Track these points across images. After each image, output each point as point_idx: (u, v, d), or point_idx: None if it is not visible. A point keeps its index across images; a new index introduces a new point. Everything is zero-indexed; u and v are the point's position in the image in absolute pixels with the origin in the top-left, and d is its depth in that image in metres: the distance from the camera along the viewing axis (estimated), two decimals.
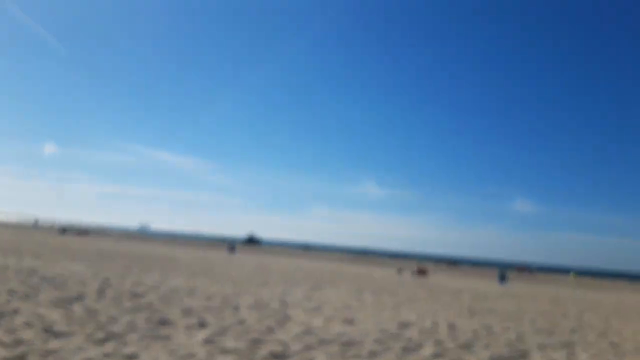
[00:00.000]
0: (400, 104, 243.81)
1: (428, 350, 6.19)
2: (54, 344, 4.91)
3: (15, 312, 6.26)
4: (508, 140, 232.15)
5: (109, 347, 4.98)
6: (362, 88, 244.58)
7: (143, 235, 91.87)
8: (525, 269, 73.69)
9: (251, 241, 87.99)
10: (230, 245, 43.86)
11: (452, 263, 75.29)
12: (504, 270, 36.72)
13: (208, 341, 5.62)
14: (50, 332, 5.37)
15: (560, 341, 8.11)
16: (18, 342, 4.84)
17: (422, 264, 40.36)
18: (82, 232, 62.96)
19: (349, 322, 7.96)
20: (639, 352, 7.64)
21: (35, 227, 72.15)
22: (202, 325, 6.55)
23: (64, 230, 58.63)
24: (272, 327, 6.80)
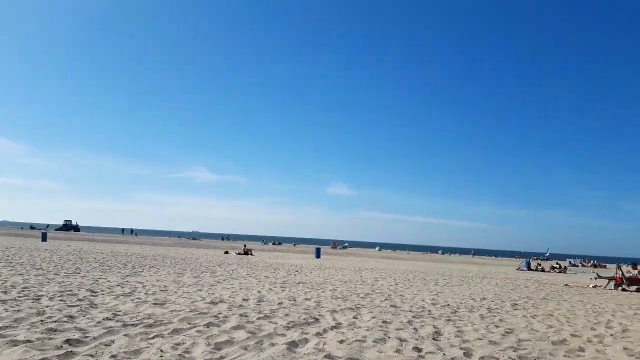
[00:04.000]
0: (229, 90, 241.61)
1: (231, 323, 6.34)
2: None
3: None
4: (322, 134, 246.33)
5: None
6: (185, 71, 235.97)
7: None
8: (338, 245, 79.44)
9: (68, 228, 79.69)
10: (43, 232, 39.23)
11: (278, 243, 77.74)
12: (319, 247, 39.14)
13: None
14: None
15: (352, 305, 8.98)
16: None
17: (249, 245, 40.93)
18: None
19: (161, 304, 7.76)
20: (412, 311, 8.80)
21: None
22: None
23: None
24: (74, 316, 6.30)
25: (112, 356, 4.49)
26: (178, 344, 5.05)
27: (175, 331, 5.68)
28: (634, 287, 17.33)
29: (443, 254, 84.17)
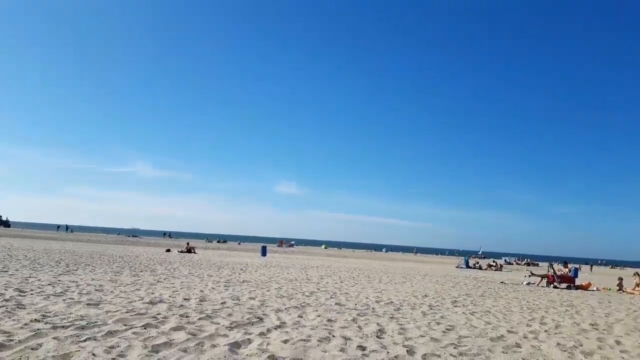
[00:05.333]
0: (174, 83, 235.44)
1: (171, 324, 6.08)
2: None
3: None
4: (271, 132, 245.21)
5: None
6: (128, 62, 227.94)
7: None
8: (284, 243, 79.24)
9: None
10: None
11: (223, 241, 76.49)
12: (265, 245, 38.82)
13: None
14: None
15: (297, 304, 8.89)
16: None
17: (192, 243, 39.93)
18: None
19: (95, 304, 7.35)
20: (357, 309, 8.83)
21: None
22: None
23: None
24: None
25: None
26: (112, 347, 4.77)
27: (110, 333, 5.37)
28: (564, 285, 18.29)
29: (387, 252, 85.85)
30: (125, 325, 5.88)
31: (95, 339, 5.06)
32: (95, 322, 5.94)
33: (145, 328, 5.77)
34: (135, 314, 6.67)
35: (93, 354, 4.47)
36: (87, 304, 7.28)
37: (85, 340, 4.97)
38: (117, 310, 6.87)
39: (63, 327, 5.53)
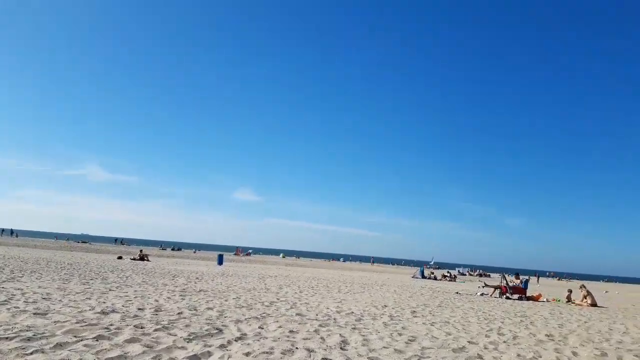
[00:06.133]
0: (126, 84, 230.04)
1: (124, 336, 5.77)
2: None
3: None
4: (233, 138, 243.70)
5: None
6: (79, 61, 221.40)
7: None
8: (241, 251, 78.16)
9: None
10: None
11: (177, 249, 74.64)
12: (222, 253, 38.14)
13: None
14: None
15: (257, 315, 8.68)
16: None
17: (145, 250, 38.74)
18: None
19: (43, 314, 6.91)
20: (318, 319, 8.70)
21: None
22: None
23: None
24: None
25: None
26: None
27: (59, 345, 5.03)
28: (516, 296, 18.79)
29: (344, 261, 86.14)
30: (75, 336, 5.53)
31: (43, 352, 4.72)
32: (43, 333, 5.56)
33: (97, 340, 5.44)
34: (86, 325, 6.30)
35: None
36: (34, 314, 6.83)
37: (32, 353, 4.63)
38: (67, 321, 6.47)
39: (7, 338, 5.14)
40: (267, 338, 6.38)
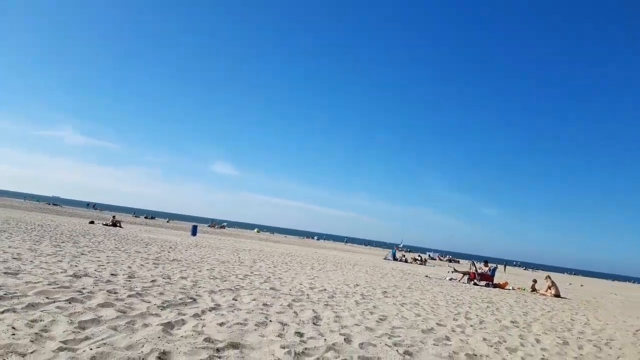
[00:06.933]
0: (111, 45, 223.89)
1: (98, 300, 5.74)
2: None
3: None
4: (210, 108, 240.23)
5: None
6: (68, 23, 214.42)
7: None
8: (216, 224, 77.93)
9: None
10: None
11: (151, 217, 73.95)
12: (196, 225, 37.99)
13: None
14: None
15: (231, 287, 8.73)
16: None
17: (118, 217, 38.28)
18: None
19: (14, 274, 6.82)
20: (292, 294, 8.79)
21: None
22: None
23: None
24: None
25: None
26: (34, 321, 4.43)
27: (31, 306, 4.99)
28: (484, 283, 19.30)
29: (318, 240, 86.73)
30: (47, 298, 5.49)
31: (14, 311, 4.68)
32: (14, 293, 5.50)
33: (70, 302, 5.41)
34: (59, 287, 6.24)
35: (13, 328, 4.12)
36: (5, 273, 6.74)
37: (3, 312, 4.58)
38: (38, 282, 6.40)
39: None
40: (240, 310, 6.44)
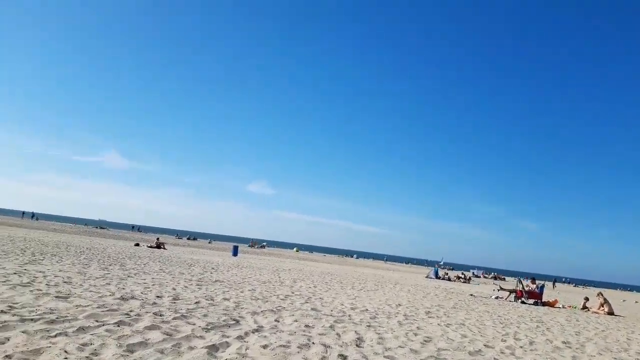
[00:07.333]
0: (148, 74, 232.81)
1: (144, 322, 5.87)
2: None
3: None
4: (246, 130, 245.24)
5: None
6: (107, 52, 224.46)
7: None
8: (255, 243, 78.58)
9: None
10: None
11: (193, 238, 75.33)
12: (236, 245, 38.43)
13: None
14: None
15: (272, 307, 8.74)
16: None
17: (161, 238, 39.23)
18: None
19: (64, 297, 7.06)
20: (333, 315, 8.73)
21: None
22: None
23: None
24: None
25: (7, 356, 3.94)
26: (85, 344, 4.56)
27: (82, 329, 5.14)
28: (532, 301, 18.60)
29: (357, 258, 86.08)
30: (97, 321, 5.65)
31: (66, 335, 4.83)
32: (66, 316, 5.69)
33: (118, 325, 5.55)
34: (107, 310, 6.42)
35: (65, 351, 4.25)
36: (56, 297, 6.98)
37: (56, 336, 4.74)
38: (88, 305, 6.60)
39: (32, 320, 5.27)
40: (283, 331, 6.43)
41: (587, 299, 19.13)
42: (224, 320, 6.72)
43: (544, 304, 18.57)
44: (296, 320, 7.48)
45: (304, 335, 6.34)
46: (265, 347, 5.37)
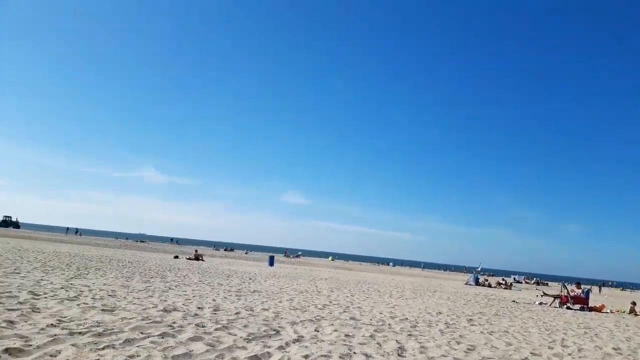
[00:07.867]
0: (183, 92, 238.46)
1: (187, 334, 5.96)
2: None
3: None
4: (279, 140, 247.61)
5: None
6: (138, 69, 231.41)
7: None
8: (291, 253, 78.82)
9: (7, 224, 74.56)
10: None
11: (230, 249, 76.28)
12: (272, 255, 38.69)
13: None
14: None
15: (311, 317, 8.73)
16: None
17: (199, 250, 39.85)
18: None
19: (110, 310, 7.25)
20: (373, 324, 8.65)
21: None
22: None
23: None
24: (15, 321, 5.73)
25: None
26: (132, 357, 4.66)
27: (128, 341, 5.26)
28: (577, 306, 17.96)
29: (394, 266, 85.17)
30: (142, 333, 5.77)
31: (114, 347, 4.95)
32: (112, 329, 5.83)
33: (162, 337, 5.65)
34: (151, 322, 6.55)
35: None
36: (102, 310, 7.18)
37: (104, 348, 4.86)
38: (133, 318, 6.76)
39: (80, 333, 5.42)
40: (323, 341, 6.41)
41: (634, 303, 18.35)
42: (264, 331, 6.75)
43: (591, 309, 17.91)
44: (336, 330, 7.45)
45: (345, 344, 6.30)
46: (306, 357, 5.36)
